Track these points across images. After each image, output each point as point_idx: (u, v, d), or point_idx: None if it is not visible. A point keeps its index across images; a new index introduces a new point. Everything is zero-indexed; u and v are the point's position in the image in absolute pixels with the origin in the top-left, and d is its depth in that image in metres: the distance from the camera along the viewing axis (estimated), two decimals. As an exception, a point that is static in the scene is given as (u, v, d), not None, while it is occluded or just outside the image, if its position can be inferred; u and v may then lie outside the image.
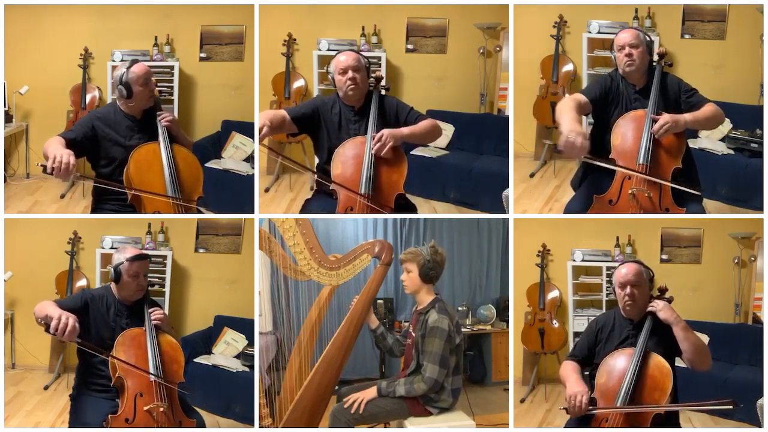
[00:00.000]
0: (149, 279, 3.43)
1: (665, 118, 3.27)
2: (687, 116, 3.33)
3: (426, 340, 3.28)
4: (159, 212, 3.41)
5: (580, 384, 3.05)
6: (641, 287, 3.13)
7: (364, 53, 3.64)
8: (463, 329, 5.82)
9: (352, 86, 3.38)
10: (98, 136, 3.36)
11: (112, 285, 3.29)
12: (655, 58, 3.47)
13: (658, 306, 3.11)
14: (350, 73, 3.37)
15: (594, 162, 3.29)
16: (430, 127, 3.46)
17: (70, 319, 2.93)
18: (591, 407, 3.00)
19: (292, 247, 3.49)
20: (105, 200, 3.46)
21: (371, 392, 3.33)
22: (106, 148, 3.38)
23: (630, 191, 3.32)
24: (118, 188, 3.34)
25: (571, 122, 3.09)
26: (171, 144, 3.45)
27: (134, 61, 3.44)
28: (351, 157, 3.32)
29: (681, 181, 3.34)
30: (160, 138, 3.44)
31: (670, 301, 3.15)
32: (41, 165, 3.04)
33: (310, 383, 3.46)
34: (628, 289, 3.12)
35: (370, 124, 3.38)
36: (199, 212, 3.60)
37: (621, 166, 3.30)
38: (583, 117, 3.42)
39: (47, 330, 2.92)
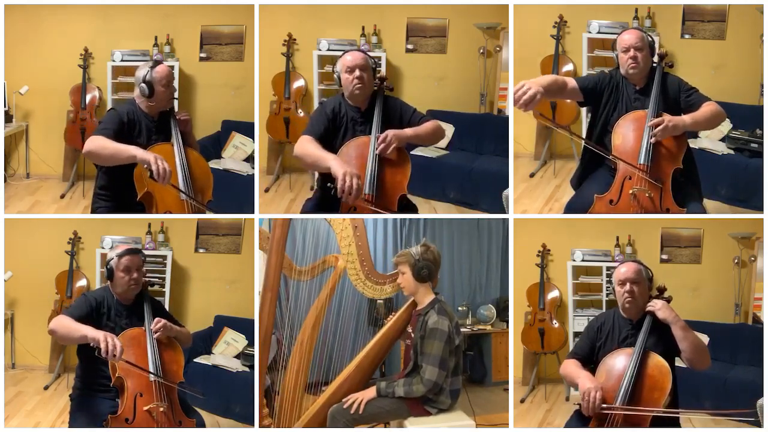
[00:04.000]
0: (150, 279, 3.43)
1: (662, 120, 3.27)
2: (686, 118, 3.32)
3: (425, 342, 3.27)
4: (170, 212, 3.41)
5: (592, 380, 3.03)
6: (640, 285, 3.14)
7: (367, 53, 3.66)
8: (463, 329, 5.89)
9: (359, 86, 3.37)
10: (124, 131, 3.36)
11: (109, 284, 3.29)
12: (656, 59, 3.47)
13: (656, 305, 3.11)
14: (357, 72, 3.36)
15: (548, 124, 3.25)
16: (434, 128, 3.46)
17: (116, 341, 2.96)
18: (614, 406, 2.97)
19: (344, 256, 3.50)
20: (115, 198, 3.46)
21: (370, 392, 3.33)
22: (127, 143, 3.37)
23: (631, 191, 3.32)
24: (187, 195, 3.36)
25: (539, 82, 3.14)
26: (184, 146, 3.45)
27: (157, 62, 3.45)
28: (354, 158, 3.32)
29: (683, 182, 3.34)
30: (174, 139, 3.45)
31: (669, 300, 3.15)
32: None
33: (339, 388, 3.43)
34: (627, 286, 3.13)
35: (374, 126, 3.37)
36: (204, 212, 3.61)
37: (603, 153, 3.28)
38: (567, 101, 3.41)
39: (98, 354, 2.96)
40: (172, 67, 5.22)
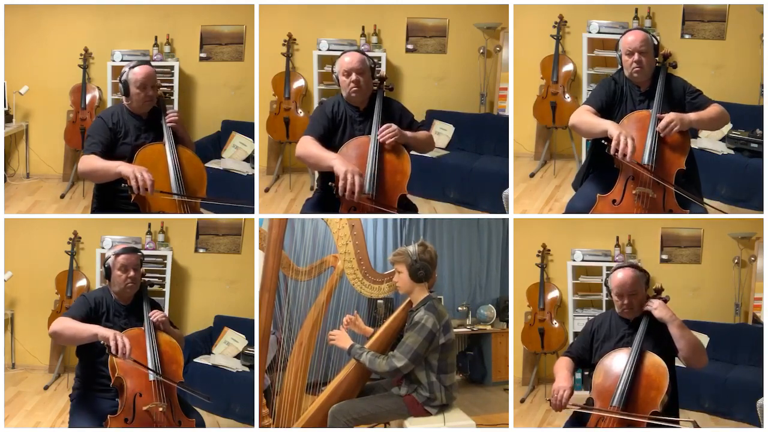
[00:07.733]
0: (150, 279, 3.43)
1: (671, 115, 3.27)
2: (692, 115, 3.33)
3: (406, 333, 3.31)
4: (163, 212, 3.40)
5: (567, 380, 3.08)
6: (638, 295, 3.14)
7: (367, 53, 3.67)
8: (463, 329, 5.91)
9: (355, 89, 3.38)
10: (111, 138, 3.37)
11: (108, 284, 3.29)
12: (659, 59, 3.46)
13: (653, 305, 3.11)
14: (354, 76, 3.37)
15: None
16: (429, 138, 3.56)
17: (125, 339, 2.99)
18: (580, 405, 3.04)
19: (342, 255, 3.50)
20: (110, 199, 3.45)
21: (345, 345, 3.38)
22: (116, 146, 3.39)
23: (634, 192, 3.32)
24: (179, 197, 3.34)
25: (615, 125, 3.22)
26: (176, 145, 3.45)
27: (140, 63, 3.42)
28: (355, 157, 3.32)
29: (684, 183, 3.33)
30: (165, 138, 3.44)
31: (666, 300, 3.15)
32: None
33: (338, 388, 3.43)
34: (626, 300, 3.13)
35: (374, 125, 3.38)
36: (200, 212, 3.60)
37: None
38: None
39: (109, 352, 3.00)
40: (170, 68, 5.26)
